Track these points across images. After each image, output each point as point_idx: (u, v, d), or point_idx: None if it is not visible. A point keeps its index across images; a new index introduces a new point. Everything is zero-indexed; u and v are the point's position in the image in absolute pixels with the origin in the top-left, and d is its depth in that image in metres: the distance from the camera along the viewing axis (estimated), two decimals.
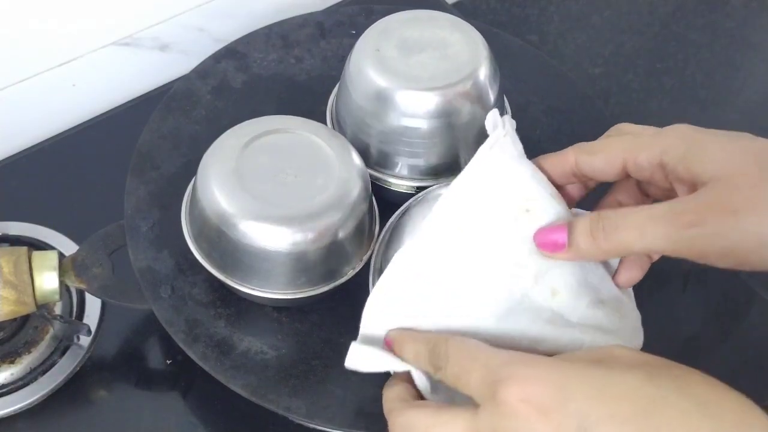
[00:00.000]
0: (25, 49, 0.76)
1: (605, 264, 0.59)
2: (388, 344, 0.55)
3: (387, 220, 0.66)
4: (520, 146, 0.58)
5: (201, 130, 0.73)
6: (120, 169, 0.71)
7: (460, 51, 0.67)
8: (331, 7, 0.86)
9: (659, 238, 0.51)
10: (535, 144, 0.76)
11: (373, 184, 0.66)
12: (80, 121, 0.82)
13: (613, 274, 0.59)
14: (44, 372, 0.68)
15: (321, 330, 0.66)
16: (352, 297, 0.67)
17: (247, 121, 0.65)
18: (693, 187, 0.53)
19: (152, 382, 0.70)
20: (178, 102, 0.75)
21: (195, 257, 0.64)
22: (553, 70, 0.80)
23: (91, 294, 0.67)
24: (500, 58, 0.71)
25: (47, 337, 0.68)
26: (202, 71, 0.77)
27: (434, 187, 0.65)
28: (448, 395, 0.54)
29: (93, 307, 0.70)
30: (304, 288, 0.63)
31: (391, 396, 0.54)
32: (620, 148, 0.56)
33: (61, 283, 0.65)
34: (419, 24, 0.68)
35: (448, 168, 0.68)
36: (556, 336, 0.55)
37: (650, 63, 0.92)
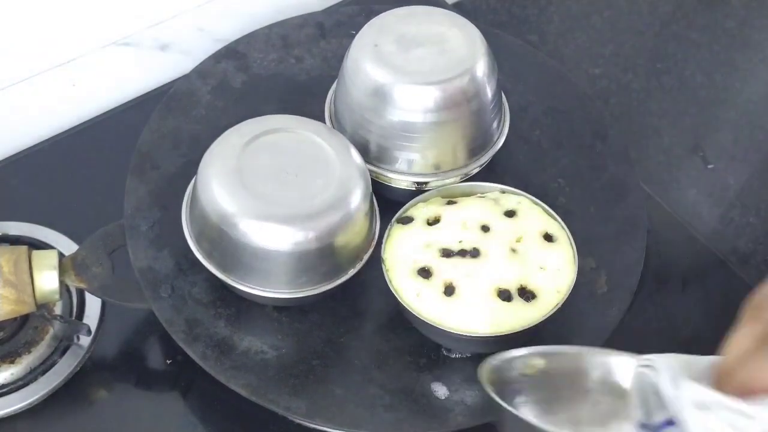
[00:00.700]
0: (25, 49, 0.76)
1: None
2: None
3: (387, 219, 0.66)
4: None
5: (201, 130, 0.73)
6: (120, 169, 0.71)
7: (458, 46, 0.67)
8: (331, 7, 0.86)
9: None
10: (535, 144, 0.76)
11: (373, 181, 0.66)
12: (80, 121, 0.82)
13: None
14: (44, 372, 0.67)
15: (321, 330, 0.66)
16: (352, 297, 0.67)
17: (247, 121, 0.66)
18: None
19: (152, 382, 0.70)
20: (178, 102, 0.75)
21: (195, 257, 0.64)
22: (553, 70, 0.80)
23: (91, 293, 0.67)
24: (500, 58, 0.71)
25: (47, 337, 0.68)
26: (202, 71, 0.77)
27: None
28: None
29: (93, 307, 0.70)
30: (305, 287, 0.63)
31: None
32: None
33: (61, 282, 0.65)
34: (416, 19, 0.69)
35: (447, 163, 0.69)
36: None
37: (650, 63, 0.92)
